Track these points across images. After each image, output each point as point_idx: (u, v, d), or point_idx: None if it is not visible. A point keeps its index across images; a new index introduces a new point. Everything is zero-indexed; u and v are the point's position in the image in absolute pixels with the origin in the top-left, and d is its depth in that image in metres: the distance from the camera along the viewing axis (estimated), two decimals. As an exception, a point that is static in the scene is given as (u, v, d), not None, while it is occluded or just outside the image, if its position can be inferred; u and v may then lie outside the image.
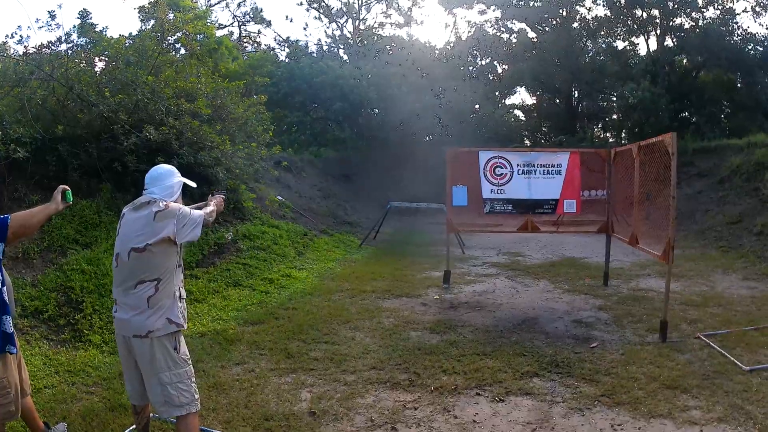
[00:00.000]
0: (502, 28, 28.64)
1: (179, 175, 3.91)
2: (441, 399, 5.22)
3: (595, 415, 4.88)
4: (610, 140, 25.29)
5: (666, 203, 6.91)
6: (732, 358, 6.09)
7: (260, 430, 4.61)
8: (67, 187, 3.78)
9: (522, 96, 34.93)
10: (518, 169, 9.48)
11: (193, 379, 3.73)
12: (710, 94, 23.46)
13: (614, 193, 9.40)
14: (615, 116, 24.81)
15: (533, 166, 9.45)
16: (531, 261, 13.27)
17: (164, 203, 3.61)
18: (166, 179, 3.79)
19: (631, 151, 8.22)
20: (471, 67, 29.68)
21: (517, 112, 31.99)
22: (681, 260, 12.29)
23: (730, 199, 15.40)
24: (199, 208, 3.93)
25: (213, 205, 4.01)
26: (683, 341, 6.93)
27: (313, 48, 31.72)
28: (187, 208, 3.69)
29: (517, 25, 28.44)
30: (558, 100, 27.98)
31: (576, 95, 27.78)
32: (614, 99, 24.38)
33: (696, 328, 7.43)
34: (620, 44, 26.87)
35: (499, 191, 9.51)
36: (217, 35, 33.12)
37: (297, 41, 32.42)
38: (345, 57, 30.31)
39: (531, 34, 27.86)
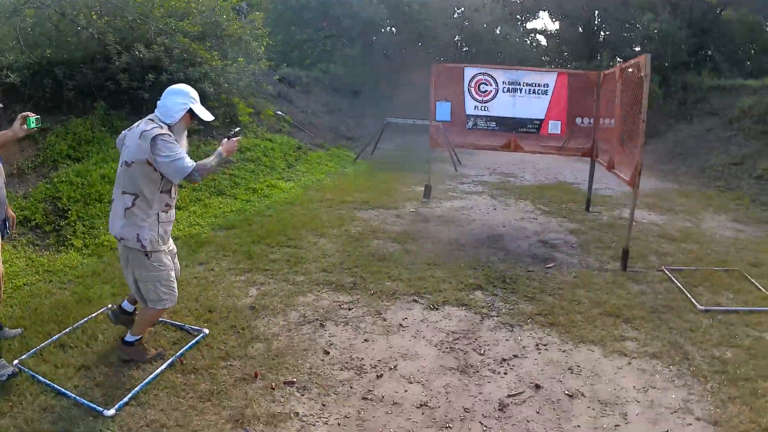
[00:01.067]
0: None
1: (190, 98, 3.85)
2: (377, 302, 5.42)
3: (524, 333, 4.99)
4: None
5: (644, 128, 6.72)
6: (689, 296, 6.06)
7: (201, 321, 4.92)
8: (30, 114, 3.80)
9: (545, 21, 33.48)
10: (503, 87, 9.38)
11: (165, 283, 3.93)
12: (733, 33, 22.62)
13: (599, 116, 9.23)
14: (637, 48, 23.93)
15: (519, 84, 9.32)
16: (521, 182, 13.36)
17: (154, 125, 3.69)
18: (169, 97, 3.80)
19: (615, 74, 7.99)
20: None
21: (539, 37, 30.99)
22: (674, 195, 12.31)
23: (737, 140, 15.15)
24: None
25: (218, 155, 3.96)
26: (644, 272, 6.93)
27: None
28: (174, 148, 3.66)
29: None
30: (580, 28, 27.13)
31: (597, 22, 26.87)
32: (637, 29, 23.49)
33: (663, 262, 7.43)
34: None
35: (482, 108, 9.49)
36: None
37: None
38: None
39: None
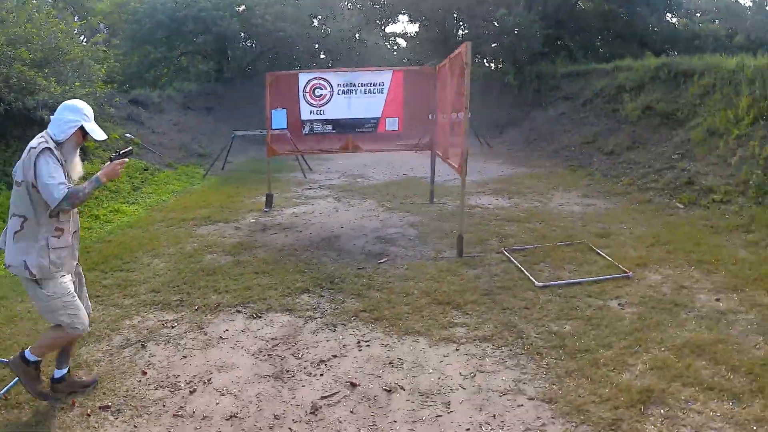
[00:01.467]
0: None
1: (83, 114, 3.58)
2: (200, 317, 5.24)
3: (347, 331, 4.82)
4: (490, 67, 24.89)
5: (468, 115, 6.80)
6: (527, 274, 5.98)
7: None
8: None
9: (404, 24, 33.68)
10: (338, 89, 9.38)
11: (65, 311, 3.61)
12: (588, 22, 23.55)
13: (437, 109, 9.33)
14: (494, 44, 24.37)
15: (354, 85, 9.35)
16: (369, 182, 13.05)
17: (41, 140, 3.45)
18: (60, 113, 3.55)
19: (446, 65, 8.09)
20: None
21: (399, 40, 31.16)
22: (525, 178, 12.36)
23: (590, 120, 15.41)
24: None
25: (95, 180, 3.63)
26: (482, 256, 6.78)
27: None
28: (51, 170, 3.37)
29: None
30: (437, 29, 27.37)
31: (455, 22, 27.17)
32: (494, 25, 23.92)
33: (505, 244, 7.30)
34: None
35: (318, 112, 9.48)
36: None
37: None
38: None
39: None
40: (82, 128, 3.57)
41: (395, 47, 30.31)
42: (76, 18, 21.41)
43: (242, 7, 23.81)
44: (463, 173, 6.78)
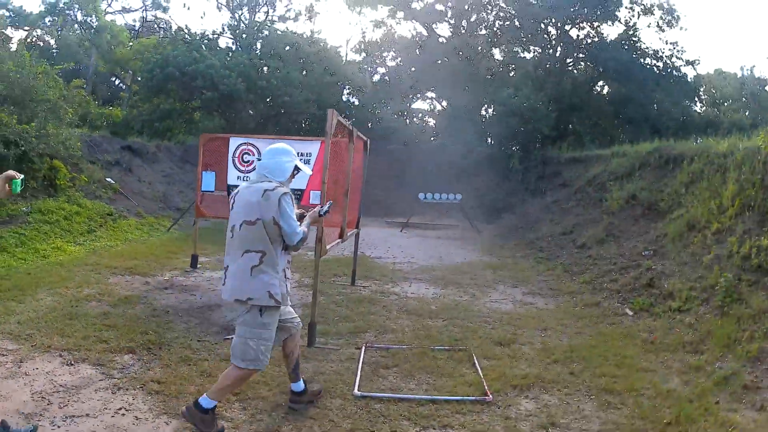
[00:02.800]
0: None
1: (293, 156, 3.91)
2: (30, 352, 5.06)
3: (120, 396, 4.25)
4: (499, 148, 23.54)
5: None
6: (358, 378, 4.76)
7: None
8: (15, 175, 3.25)
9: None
10: None
11: (266, 344, 3.71)
12: (599, 107, 22.25)
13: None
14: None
15: None
16: (308, 257, 11.46)
17: (275, 184, 3.72)
18: (274, 156, 3.85)
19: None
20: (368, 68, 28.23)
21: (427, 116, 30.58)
22: (480, 268, 10.83)
23: (575, 209, 13.76)
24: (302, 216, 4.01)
25: (307, 225, 3.94)
26: (335, 350, 5.61)
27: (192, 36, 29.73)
28: (292, 213, 3.69)
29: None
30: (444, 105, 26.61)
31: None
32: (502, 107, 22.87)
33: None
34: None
35: (245, 178, 9.00)
36: (110, 20, 31.15)
37: (185, 29, 30.28)
38: (234, 47, 28.34)
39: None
40: (296, 167, 3.91)
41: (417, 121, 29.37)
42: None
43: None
44: (319, 252, 5.86)
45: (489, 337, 6.19)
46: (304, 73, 25.66)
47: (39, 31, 31.35)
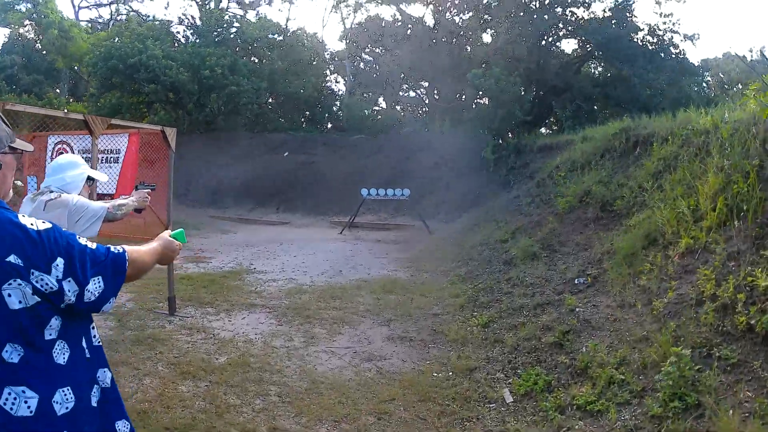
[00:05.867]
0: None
1: (83, 167, 3.43)
2: None
3: None
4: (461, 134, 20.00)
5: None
6: None
7: None
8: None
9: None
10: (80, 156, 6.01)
11: None
12: (584, 89, 18.70)
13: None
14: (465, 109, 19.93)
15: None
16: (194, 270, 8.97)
17: (56, 194, 3.23)
18: (65, 170, 3.34)
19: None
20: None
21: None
22: (366, 291, 7.67)
23: (528, 208, 10.43)
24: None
25: (131, 200, 3.60)
26: None
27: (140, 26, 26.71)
28: (84, 200, 3.28)
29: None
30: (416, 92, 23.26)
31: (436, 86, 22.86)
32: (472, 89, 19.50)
33: None
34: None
35: None
36: (62, 15, 28.45)
37: (135, 16, 27.41)
38: (192, 37, 25.38)
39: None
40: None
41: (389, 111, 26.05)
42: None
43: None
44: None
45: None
46: (254, 60, 22.89)
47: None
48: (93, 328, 1.76)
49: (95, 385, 1.70)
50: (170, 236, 2.08)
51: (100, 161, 6.83)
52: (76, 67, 28.07)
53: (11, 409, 1.46)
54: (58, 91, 29.47)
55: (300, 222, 16.78)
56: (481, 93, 17.99)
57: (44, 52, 28.16)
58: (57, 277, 1.50)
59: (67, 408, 1.56)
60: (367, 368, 4.64)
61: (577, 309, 4.91)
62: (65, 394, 1.57)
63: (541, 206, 9.88)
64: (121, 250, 1.71)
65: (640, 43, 19.23)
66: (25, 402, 1.48)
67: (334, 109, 24.98)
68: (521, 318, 5.31)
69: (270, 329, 5.66)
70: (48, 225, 1.56)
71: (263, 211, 18.37)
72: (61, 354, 1.57)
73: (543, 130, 20.02)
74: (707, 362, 3.26)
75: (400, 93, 25.75)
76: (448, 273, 8.51)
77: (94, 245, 1.64)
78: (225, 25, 23.82)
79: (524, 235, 8.44)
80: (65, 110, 6.53)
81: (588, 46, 20.05)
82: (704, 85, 21.42)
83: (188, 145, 21.18)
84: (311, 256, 10.47)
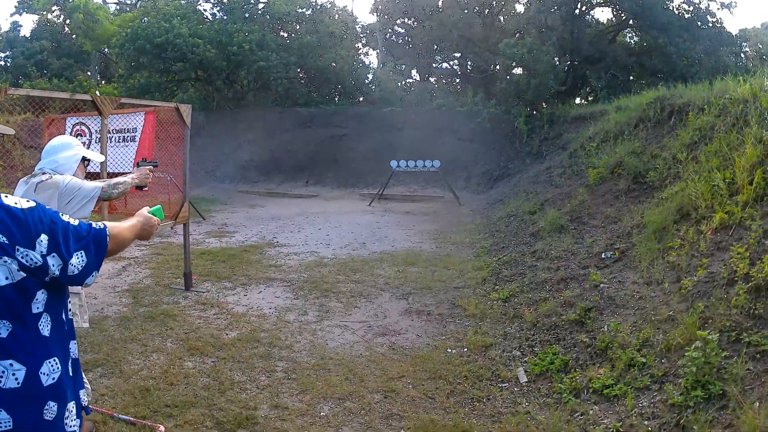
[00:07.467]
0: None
1: (77, 147, 3.34)
2: None
3: None
4: (494, 105, 19.27)
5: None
6: None
7: None
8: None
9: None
10: (96, 137, 6.88)
11: None
12: (619, 58, 17.92)
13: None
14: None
15: (110, 132, 6.73)
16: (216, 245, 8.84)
17: (48, 175, 3.15)
18: (58, 152, 3.26)
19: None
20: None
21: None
22: (388, 264, 7.41)
23: (559, 180, 10.10)
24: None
25: (130, 178, 3.48)
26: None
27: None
28: (76, 181, 3.18)
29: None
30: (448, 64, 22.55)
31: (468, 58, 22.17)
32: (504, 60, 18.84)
33: None
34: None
35: None
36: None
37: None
38: (219, 15, 25.12)
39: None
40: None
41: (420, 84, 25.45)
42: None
43: None
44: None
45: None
46: (284, 35, 22.65)
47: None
48: (69, 302, 1.84)
49: (69, 356, 1.76)
50: (149, 212, 2.17)
51: (117, 140, 6.98)
52: (105, 50, 28.12)
53: None
54: (89, 74, 29.68)
55: (329, 195, 16.62)
56: (513, 63, 17.40)
57: (73, 36, 28.24)
58: (41, 252, 1.56)
59: (53, 379, 1.63)
60: (380, 343, 4.47)
61: (602, 285, 4.63)
62: (52, 366, 1.64)
63: (572, 177, 9.53)
64: (102, 226, 1.78)
65: (676, 12, 18.32)
66: (13, 375, 1.54)
67: (366, 82, 24.46)
68: (543, 293, 5.07)
69: (285, 303, 5.53)
70: (32, 204, 1.63)
71: (292, 185, 18.24)
72: (45, 326, 1.64)
73: (577, 100, 19.35)
74: (735, 348, 2.98)
75: (433, 65, 25.23)
76: (473, 245, 8.26)
77: (76, 222, 1.71)
78: (253, 1, 23.53)
79: (553, 207, 8.13)
80: (76, 93, 6.53)
81: (623, 14, 19.25)
82: (742, 55, 20.28)
83: (218, 122, 21.21)
84: (336, 228, 10.32)
